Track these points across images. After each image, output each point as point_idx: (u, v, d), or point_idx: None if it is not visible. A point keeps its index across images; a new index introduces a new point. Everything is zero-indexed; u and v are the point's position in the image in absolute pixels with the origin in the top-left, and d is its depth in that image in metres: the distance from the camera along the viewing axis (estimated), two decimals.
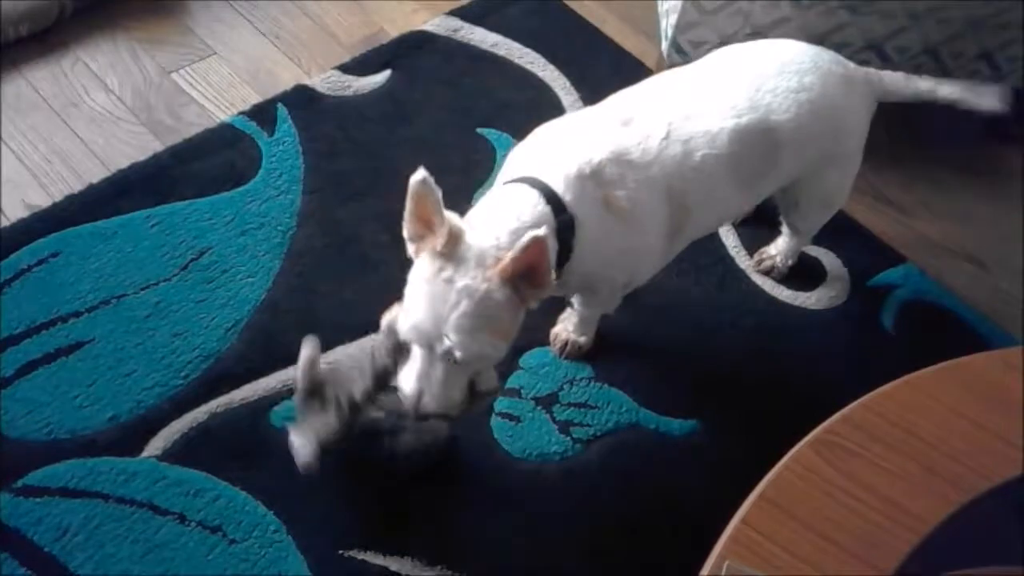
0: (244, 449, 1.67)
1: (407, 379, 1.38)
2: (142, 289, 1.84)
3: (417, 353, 1.36)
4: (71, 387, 1.70)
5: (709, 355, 1.94)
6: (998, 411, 1.11)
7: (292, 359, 1.80)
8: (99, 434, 1.65)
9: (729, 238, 2.09)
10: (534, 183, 1.38)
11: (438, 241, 1.27)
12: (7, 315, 1.77)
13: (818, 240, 2.10)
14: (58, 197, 1.96)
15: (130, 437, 1.66)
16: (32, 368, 1.72)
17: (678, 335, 1.96)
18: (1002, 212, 2.22)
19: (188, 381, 1.74)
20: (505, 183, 1.43)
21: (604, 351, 1.86)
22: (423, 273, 1.30)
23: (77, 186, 1.98)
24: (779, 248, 2.00)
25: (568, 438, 1.77)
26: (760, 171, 1.58)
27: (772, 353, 1.95)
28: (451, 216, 1.30)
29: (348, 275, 1.92)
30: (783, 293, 2.03)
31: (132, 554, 1.53)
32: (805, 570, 0.97)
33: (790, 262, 2.01)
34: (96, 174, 2.01)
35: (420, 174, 1.25)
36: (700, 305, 2.00)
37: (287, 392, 1.74)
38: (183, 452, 1.65)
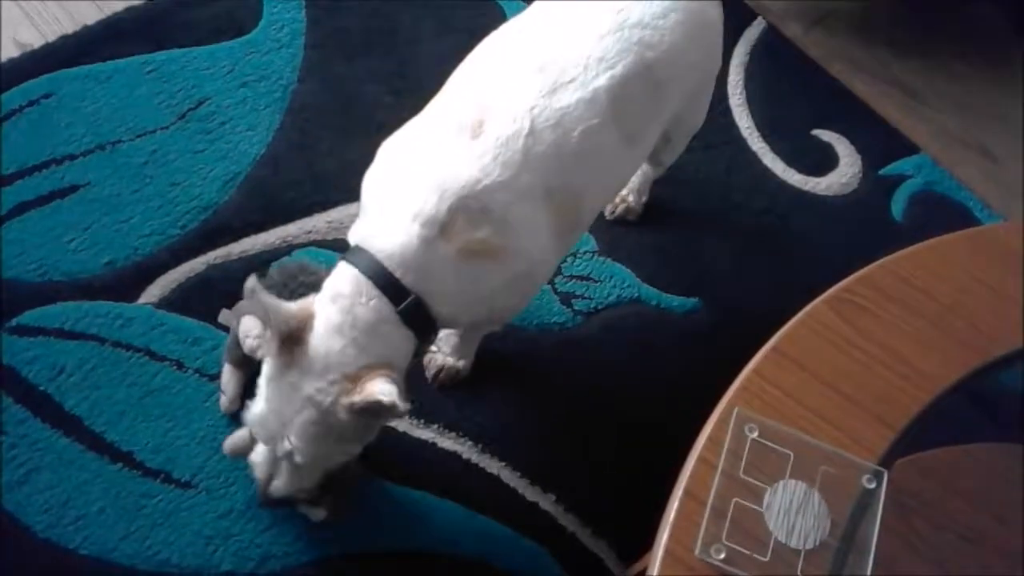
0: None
1: (256, 463, 1.29)
2: (138, 136, 1.79)
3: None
4: (66, 230, 1.66)
5: (715, 235, 1.91)
6: (1017, 279, 1.09)
7: (291, 216, 1.77)
8: (95, 278, 1.63)
9: (743, 119, 2.04)
10: (365, 265, 1.18)
11: (271, 346, 1.17)
12: None
13: (833, 126, 2.06)
14: (51, 37, 1.88)
15: (127, 283, 1.63)
16: (24, 209, 1.68)
17: (684, 214, 1.93)
18: (1019, 109, 2.17)
19: (185, 231, 1.70)
20: (344, 256, 1.22)
21: (608, 227, 1.83)
22: (268, 370, 1.20)
23: (70, 27, 1.90)
24: (632, 187, 1.81)
25: (569, 310, 1.75)
26: (646, 120, 1.34)
27: (778, 237, 1.93)
28: (294, 310, 1.17)
29: (350, 134, 1.87)
30: (794, 177, 1.99)
31: (128, 397, 1.52)
32: (813, 420, 0.96)
33: (644, 199, 1.84)
34: (90, 16, 1.92)
35: (249, 283, 1.15)
36: (708, 184, 1.97)
37: (286, 249, 1.71)
38: (180, 301, 1.63)
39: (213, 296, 1.63)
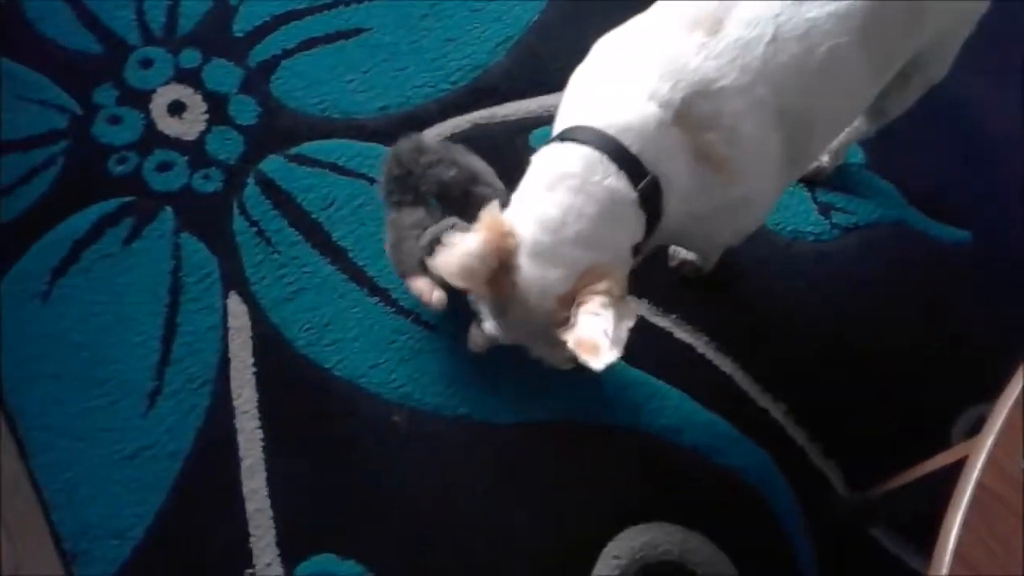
0: (502, 162, 1.64)
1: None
2: None
3: None
4: (347, 70, 1.73)
5: (998, 165, 1.75)
6: None
7: (557, 86, 1.74)
8: (369, 120, 1.69)
9: None
10: (599, 141, 1.05)
11: (483, 296, 1.09)
12: None
13: None
14: None
15: (397, 129, 1.67)
16: (312, 45, 1.75)
17: (967, 138, 1.77)
18: None
19: (456, 87, 1.73)
20: (562, 136, 1.10)
21: (879, 139, 1.71)
22: (487, 307, 1.14)
23: None
24: (831, 146, 1.62)
25: (827, 221, 1.67)
26: (897, 50, 1.20)
27: None
28: (486, 243, 1.03)
29: (621, 9, 1.81)
30: None
31: None
32: None
33: (839, 162, 1.67)
34: None
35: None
36: (997, 113, 1.80)
37: (547, 118, 1.70)
38: None
39: (477, 154, 1.66)
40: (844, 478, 1.48)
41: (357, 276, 1.56)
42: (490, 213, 1.05)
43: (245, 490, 1.38)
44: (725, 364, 1.55)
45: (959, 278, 1.65)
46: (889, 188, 1.71)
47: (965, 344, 1.59)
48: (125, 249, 1.55)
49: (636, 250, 1.12)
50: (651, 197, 1.08)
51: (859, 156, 1.73)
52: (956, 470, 0.83)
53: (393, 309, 1.54)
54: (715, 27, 1.08)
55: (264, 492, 1.38)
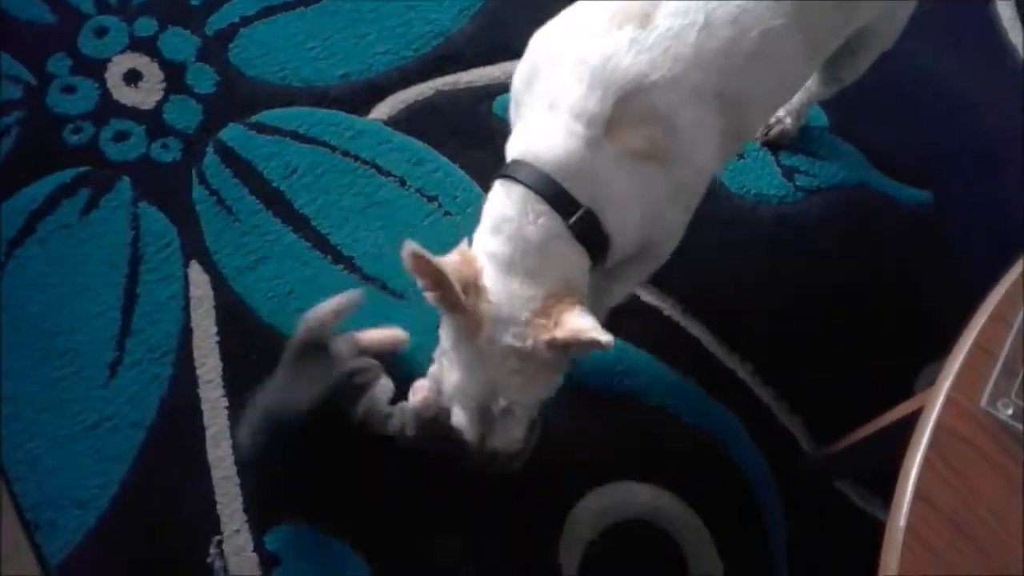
0: (465, 129, 1.66)
1: (464, 428, 1.18)
2: None
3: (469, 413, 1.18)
4: (307, 38, 1.71)
5: (962, 127, 1.77)
6: None
7: (520, 52, 1.74)
8: (331, 88, 1.67)
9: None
10: (532, 179, 1.08)
11: (452, 309, 1.09)
12: None
13: None
14: None
15: (359, 97, 1.66)
16: (271, 12, 1.73)
17: (928, 101, 1.79)
18: None
19: (418, 55, 1.72)
20: (504, 174, 1.12)
21: (842, 103, 1.71)
22: (450, 336, 1.13)
23: None
24: (792, 107, 1.64)
25: (790, 184, 1.68)
26: (833, 28, 1.22)
27: None
28: (458, 261, 1.08)
29: None
30: None
31: (353, 205, 1.58)
32: None
33: (801, 123, 1.68)
34: None
35: (408, 249, 1.02)
36: (957, 76, 1.82)
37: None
38: (407, 121, 1.65)
39: (438, 121, 1.65)
40: (810, 435, 1.49)
41: (321, 243, 1.54)
42: (460, 247, 1.11)
43: (211, 458, 1.37)
44: (692, 326, 1.55)
45: (921, 238, 1.67)
46: (852, 151, 1.73)
47: (926, 301, 1.61)
48: (83, 220, 1.52)
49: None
50: (587, 228, 1.09)
51: (823, 119, 1.74)
52: (916, 420, 0.84)
53: (358, 276, 1.52)
54: (645, 20, 1.07)
55: (230, 459, 1.37)
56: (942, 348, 1.36)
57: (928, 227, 1.68)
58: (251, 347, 1.46)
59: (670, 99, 1.07)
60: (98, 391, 1.40)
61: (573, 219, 1.08)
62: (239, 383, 1.42)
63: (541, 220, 1.08)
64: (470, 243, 1.13)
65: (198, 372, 1.42)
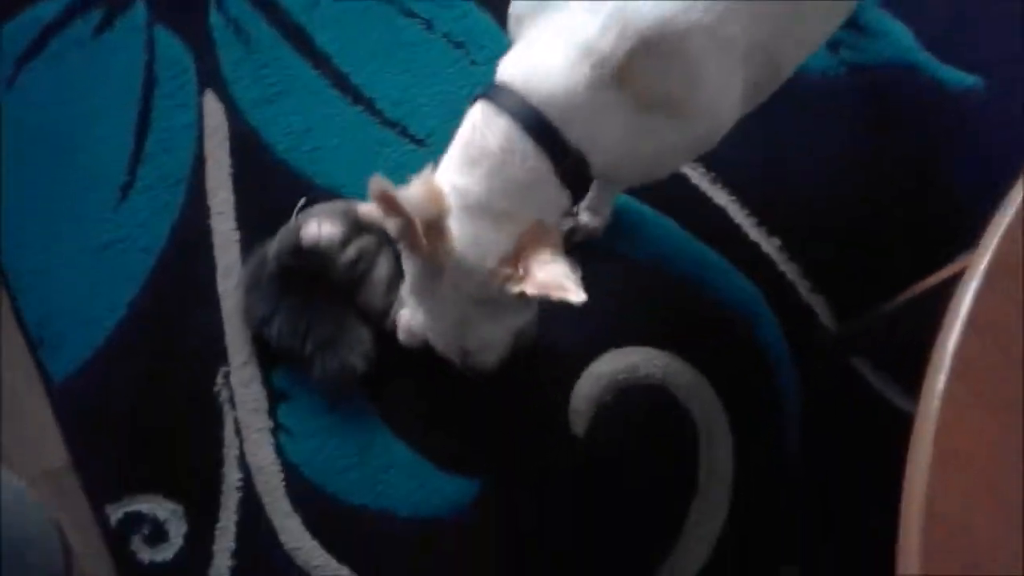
0: None
1: (444, 351, 1.12)
2: None
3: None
4: None
5: (1015, 10, 1.67)
6: None
7: None
8: None
9: None
10: (521, 112, 0.95)
11: (413, 250, 0.96)
12: None
13: None
14: None
15: None
16: None
17: None
18: None
19: None
20: (489, 95, 0.98)
21: None
22: (414, 276, 1.03)
23: None
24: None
25: (835, 56, 1.60)
26: None
27: None
28: (422, 199, 0.90)
29: None
30: None
31: (377, 45, 1.51)
32: None
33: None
34: None
35: (375, 187, 0.89)
36: None
37: None
38: None
39: None
40: (832, 313, 1.46)
41: (341, 82, 1.48)
42: (425, 176, 0.93)
43: (220, 289, 1.34)
44: (720, 196, 1.50)
45: (967, 123, 1.60)
46: (904, 30, 1.64)
47: (964, 190, 1.55)
48: (96, 39, 1.47)
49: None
50: (575, 173, 1.00)
51: None
52: (940, 300, 0.78)
53: (378, 120, 1.47)
54: None
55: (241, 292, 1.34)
56: (972, 240, 1.31)
57: (975, 114, 1.61)
58: (265, 182, 1.42)
59: (697, 50, 0.95)
60: (109, 213, 1.37)
61: (562, 165, 0.97)
62: (251, 217, 1.38)
63: (529, 163, 0.96)
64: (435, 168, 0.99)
65: (210, 203, 1.39)
